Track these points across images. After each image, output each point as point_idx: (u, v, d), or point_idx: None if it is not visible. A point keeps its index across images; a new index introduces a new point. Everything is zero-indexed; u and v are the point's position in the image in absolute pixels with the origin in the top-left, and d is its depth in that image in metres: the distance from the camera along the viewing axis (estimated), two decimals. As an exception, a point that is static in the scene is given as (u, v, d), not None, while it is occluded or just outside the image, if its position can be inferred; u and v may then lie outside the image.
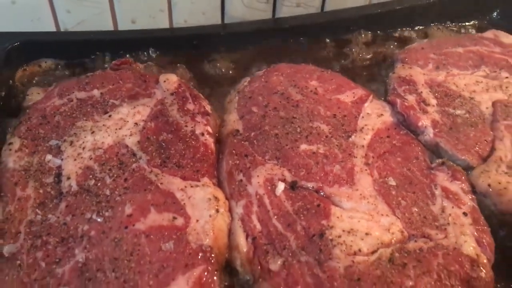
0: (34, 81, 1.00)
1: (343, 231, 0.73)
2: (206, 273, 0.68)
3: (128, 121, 0.88)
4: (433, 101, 0.91)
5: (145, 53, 1.09)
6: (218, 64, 1.08)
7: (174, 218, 0.74)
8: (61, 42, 1.05)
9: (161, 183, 0.79)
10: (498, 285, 0.72)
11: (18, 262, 0.69)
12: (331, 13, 1.19)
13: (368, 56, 1.11)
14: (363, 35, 1.15)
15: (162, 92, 0.94)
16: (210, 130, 0.88)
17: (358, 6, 1.21)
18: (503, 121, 0.87)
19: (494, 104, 0.91)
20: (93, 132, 0.86)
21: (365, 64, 1.09)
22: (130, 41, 1.07)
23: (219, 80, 1.05)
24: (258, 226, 0.76)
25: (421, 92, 0.93)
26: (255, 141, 0.87)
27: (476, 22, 1.18)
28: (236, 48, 1.11)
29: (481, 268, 0.70)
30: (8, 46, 0.98)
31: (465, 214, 0.76)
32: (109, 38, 1.09)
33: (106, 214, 0.75)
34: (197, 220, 0.74)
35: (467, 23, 1.19)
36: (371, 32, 1.16)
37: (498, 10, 1.17)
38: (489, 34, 1.07)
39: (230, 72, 1.07)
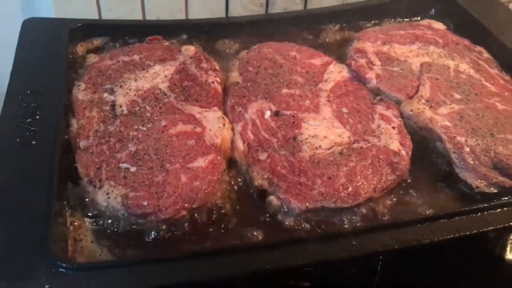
0: (89, 52, 1.36)
1: (309, 135, 1.08)
2: (217, 158, 1.02)
3: (160, 74, 1.24)
4: (378, 62, 1.27)
5: (168, 36, 1.44)
6: (223, 44, 1.44)
7: (195, 127, 1.08)
8: (107, 26, 1.42)
9: (185, 110, 1.13)
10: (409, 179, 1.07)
11: (90, 151, 1.03)
12: (311, 10, 1.57)
13: (337, 40, 1.47)
14: (334, 26, 1.51)
15: (184, 57, 1.30)
16: (218, 80, 1.23)
17: (332, 5, 1.58)
18: (426, 74, 1.23)
19: (421, 64, 1.27)
20: (135, 80, 1.21)
21: (334, 45, 1.45)
22: (158, 27, 1.44)
23: (224, 54, 1.40)
24: (252, 137, 1.10)
25: (370, 57, 1.29)
26: (250, 88, 1.22)
27: (418, 18, 1.55)
28: (237, 35, 1.47)
29: (401, 157, 1.04)
30: (72, 26, 1.34)
31: (393, 128, 1.11)
32: (142, 24, 1.46)
33: (148, 126, 1.09)
34: (210, 129, 1.08)
35: (413, 18, 1.56)
36: (339, 24, 1.52)
37: (434, 9, 1.55)
38: (424, 22, 1.44)
39: (232, 49, 1.42)
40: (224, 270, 0.82)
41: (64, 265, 0.79)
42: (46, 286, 0.76)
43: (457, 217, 0.93)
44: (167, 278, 0.80)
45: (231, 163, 1.08)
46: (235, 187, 1.03)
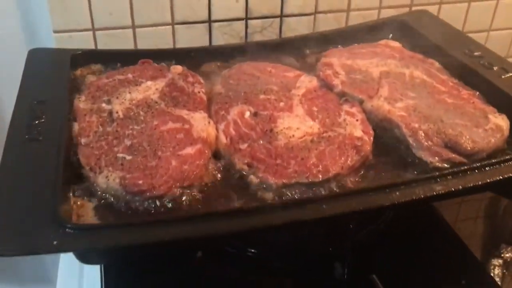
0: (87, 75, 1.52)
1: (284, 127, 1.23)
2: (203, 147, 1.16)
3: (151, 88, 1.40)
4: (343, 72, 1.45)
5: (157, 61, 1.61)
6: (207, 67, 1.62)
7: (183, 124, 1.23)
8: (104, 53, 1.60)
9: (174, 113, 1.29)
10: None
11: (91, 146, 1.17)
12: (286, 38, 1.78)
13: (309, 61, 1.66)
14: (305, 50, 1.71)
15: (172, 74, 1.47)
16: (203, 90, 1.40)
17: (304, 34, 1.79)
18: (384, 79, 1.41)
19: (380, 72, 1.45)
20: (130, 93, 1.36)
21: (307, 66, 1.64)
22: (148, 54, 1.62)
23: (208, 74, 1.58)
24: (233, 132, 1.25)
25: (335, 69, 1.47)
26: (231, 96, 1.38)
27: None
28: (219, 59, 1.66)
29: (364, 141, 1.19)
30: (73, 53, 1.52)
31: (357, 120, 1.27)
32: (135, 52, 1.65)
33: (142, 126, 1.23)
34: (197, 126, 1.23)
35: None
36: (310, 49, 1.72)
37: (391, 34, 1.76)
38: (382, 42, 1.65)
39: (216, 71, 1.60)
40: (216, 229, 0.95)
41: (69, 225, 0.90)
42: (54, 242, 0.87)
43: (414, 184, 1.07)
44: (162, 236, 0.92)
45: (216, 156, 1.22)
46: (219, 174, 1.16)
